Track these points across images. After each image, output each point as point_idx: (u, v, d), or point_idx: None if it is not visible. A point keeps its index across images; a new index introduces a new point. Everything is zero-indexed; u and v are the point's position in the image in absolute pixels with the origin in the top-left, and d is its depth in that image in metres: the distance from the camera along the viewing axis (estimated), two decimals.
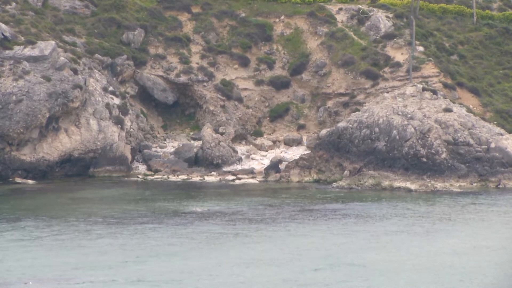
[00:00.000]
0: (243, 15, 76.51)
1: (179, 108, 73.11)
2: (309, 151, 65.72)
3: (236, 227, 42.47)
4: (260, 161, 66.87)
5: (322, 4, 77.58)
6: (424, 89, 64.70)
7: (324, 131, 65.76)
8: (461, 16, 77.84)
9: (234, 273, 32.03)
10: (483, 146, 60.45)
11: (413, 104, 62.85)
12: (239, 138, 70.25)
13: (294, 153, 67.84)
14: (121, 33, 72.52)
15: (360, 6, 77.47)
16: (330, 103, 71.79)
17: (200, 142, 66.82)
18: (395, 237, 39.95)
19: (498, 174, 59.27)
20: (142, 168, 65.60)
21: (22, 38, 64.79)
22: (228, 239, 39.17)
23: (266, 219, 45.05)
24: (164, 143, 69.77)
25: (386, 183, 57.70)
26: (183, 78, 71.96)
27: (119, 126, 65.24)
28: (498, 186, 58.65)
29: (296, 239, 39.18)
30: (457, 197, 53.80)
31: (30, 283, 30.04)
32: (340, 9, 77.24)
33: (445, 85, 68.03)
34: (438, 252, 36.36)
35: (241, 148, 68.56)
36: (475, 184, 58.71)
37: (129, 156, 64.74)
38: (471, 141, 60.48)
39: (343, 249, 36.99)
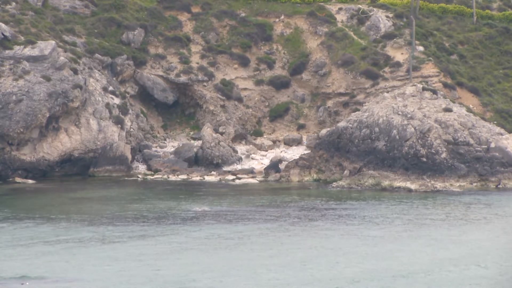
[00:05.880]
0: (243, 15, 76.50)
1: (179, 108, 73.12)
2: (309, 151, 65.72)
3: (235, 227, 42.56)
4: (260, 161, 66.88)
5: (322, 4, 77.56)
6: (424, 89, 64.71)
7: (324, 131, 65.77)
8: (461, 16, 77.82)
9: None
10: (483, 146, 60.45)
11: (413, 104, 62.86)
12: (239, 138, 70.26)
13: (294, 153, 67.84)
14: (121, 33, 72.52)
15: (360, 6, 77.46)
16: (330, 103, 71.80)
17: (200, 142, 66.83)
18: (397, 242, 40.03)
19: (498, 174, 59.26)
20: (142, 168, 65.62)
21: (22, 38, 64.79)
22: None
23: (266, 219, 45.12)
24: (164, 143, 69.79)
25: (386, 183, 57.70)
26: (183, 78, 71.96)
27: (119, 126, 65.24)
28: (498, 186, 58.65)
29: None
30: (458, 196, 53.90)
31: (27, 283, 30.00)
32: (340, 9, 77.23)
33: (445, 85, 68.03)
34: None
35: (241, 148, 68.57)
36: (475, 184, 58.69)
37: (129, 156, 64.75)
38: (471, 141, 60.47)
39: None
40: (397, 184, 57.59)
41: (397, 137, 60.64)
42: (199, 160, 65.64)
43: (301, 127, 71.99)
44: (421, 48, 71.89)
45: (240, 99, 72.34)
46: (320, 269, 32.74)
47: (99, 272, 31.97)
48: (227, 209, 48.39)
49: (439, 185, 57.45)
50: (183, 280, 30.95)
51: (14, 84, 61.68)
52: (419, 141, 60.14)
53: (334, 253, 36.09)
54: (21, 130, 61.09)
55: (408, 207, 49.23)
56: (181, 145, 67.93)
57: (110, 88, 67.38)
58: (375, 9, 76.64)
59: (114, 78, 69.70)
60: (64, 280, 30.69)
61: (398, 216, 46.17)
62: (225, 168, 64.80)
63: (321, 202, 51.53)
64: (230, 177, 63.23)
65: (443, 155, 59.55)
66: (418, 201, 51.94)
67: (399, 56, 71.42)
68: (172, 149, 67.82)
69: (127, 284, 30.15)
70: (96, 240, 38.36)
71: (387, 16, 75.32)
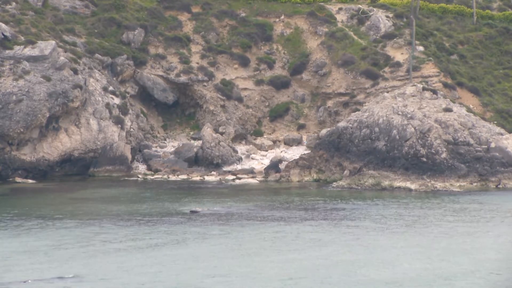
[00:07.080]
0: (243, 15, 76.54)
1: (179, 108, 73.15)
2: (309, 151, 65.75)
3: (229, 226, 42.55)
4: (260, 161, 66.90)
5: (322, 4, 77.61)
6: (424, 89, 64.73)
7: (324, 131, 65.82)
8: (461, 16, 77.86)
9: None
10: (483, 146, 60.47)
11: (413, 104, 62.88)
12: (239, 138, 70.29)
13: (294, 153, 67.87)
14: (121, 33, 72.55)
15: (360, 6, 77.50)
16: (330, 103, 71.83)
17: (200, 142, 66.86)
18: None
19: (498, 174, 59.29)
20: (142, 168, 65.65)
21: (22, 38, 64.82)
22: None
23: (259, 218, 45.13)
24: (164, 143, 69.82)
25: (386, 183, 57.72)
26: (183, 78, 71.99)
27: (119, 126, 65.28)
28: (498, 186, 58.66)
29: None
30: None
31: (29, 281, 30.07)
32: (340, 9, 77.29)
33: (445, 85, 68.06)
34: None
35: (241, 148, 68.60)
36: (475, 184, 58.72)
37: (129, 156, 64.78)
38: (471, 141, 60.49)
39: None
40: (397, 184, 57.62)
41: (397, 137, 60.65)
42: (199, 160, 65.67)
43: (301, 127, 72.02)
44: (421, 48, 71.93)
45: (240, 99, 72.36)
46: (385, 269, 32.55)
47: (95, 272, 31.97)
48: (227, 209, 48.37)
49: (439, 185, 57.46)
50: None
51: (14, 84, 61.71)
52: (419, 141, 60.15)
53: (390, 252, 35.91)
54: (21, 130, 61.12)
55: (434, 207, 48.99)
56: (181, 145, 67.95)
57: (110, 88, 67.41)
58: (375, 9, 76.69)
59: (114, 78, 69.73)
60: (63, 278, 30.65)
61: (418, 214, 46.10)
62: (225, 168, 64.84)
63: (346, 202, 51.16)
64: (230, 177, 63.26)
65: (443, 155, 59.57)
66: (439, 200, 51.75)
67: (399, 56, 71.46)
68: (172, 149, 67.85)
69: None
70: (95, 240, 38.35)
71: (387, 16, 75.36)
